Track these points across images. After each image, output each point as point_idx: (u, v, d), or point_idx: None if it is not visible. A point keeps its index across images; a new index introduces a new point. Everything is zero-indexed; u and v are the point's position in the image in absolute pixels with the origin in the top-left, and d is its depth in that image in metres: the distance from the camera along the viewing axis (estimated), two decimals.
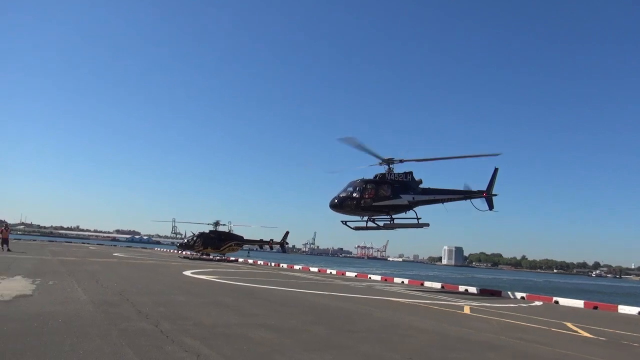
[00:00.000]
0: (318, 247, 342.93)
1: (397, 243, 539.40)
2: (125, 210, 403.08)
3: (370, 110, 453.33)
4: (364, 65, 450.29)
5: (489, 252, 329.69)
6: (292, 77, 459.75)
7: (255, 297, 16.62)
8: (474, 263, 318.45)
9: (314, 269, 43.45)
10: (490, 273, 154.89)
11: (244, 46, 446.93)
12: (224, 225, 53.75)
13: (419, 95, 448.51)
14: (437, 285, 31.04)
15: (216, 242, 51.58)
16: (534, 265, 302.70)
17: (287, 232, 58.96)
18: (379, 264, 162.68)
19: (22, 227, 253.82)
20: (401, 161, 25.21)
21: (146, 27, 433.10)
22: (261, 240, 58.01)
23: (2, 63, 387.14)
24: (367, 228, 26.16)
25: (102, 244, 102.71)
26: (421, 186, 25.97)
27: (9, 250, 36.18)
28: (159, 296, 14.49)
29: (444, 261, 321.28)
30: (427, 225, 25.81)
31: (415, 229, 25.94)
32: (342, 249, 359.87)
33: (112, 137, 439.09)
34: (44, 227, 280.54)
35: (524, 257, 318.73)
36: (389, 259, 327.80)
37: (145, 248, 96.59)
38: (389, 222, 25.61)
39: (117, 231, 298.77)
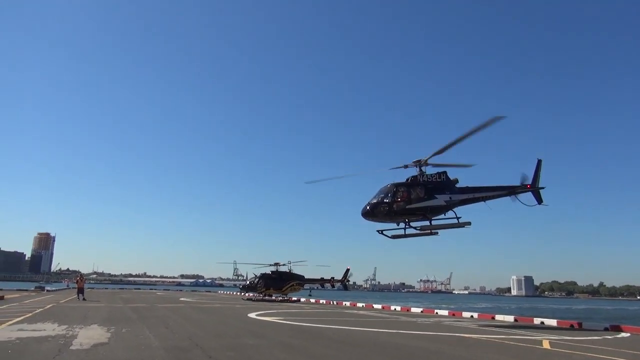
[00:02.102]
0: (379, 282, 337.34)
1: (461, 275, 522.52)
2: (189, 255, 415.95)
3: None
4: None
5: (562, 281, 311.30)
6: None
7: (323, 337, 16.35)
8: (546, 292, 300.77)
9: (378, 306, 42.44)
10: (564, 303, 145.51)
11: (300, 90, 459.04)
12: (284, 265, 54.03)
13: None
14: (510, 318, 29.41)
15: (278, 283, 51.71)
16: (614, 293, 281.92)
17: (348, 269, 58.36)
18: (444, 298, 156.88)
19: (94, 276, 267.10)
20: (427, 161, 24.19)
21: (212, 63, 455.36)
22: (322, 279, 57.53)
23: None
24: (405, 235, 24.84)
25: (169, 289, 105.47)
26: (458, 185, 24.86)
27: (84, 299, 37.86)
28: (227, 340, 14.58)
29: (514, 292, 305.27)
30: (469, 223, 24.35)
31: (456, 228, 24.56)
32: (404, 283, 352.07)
33: (168, 185, 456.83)
34: (114, 275, 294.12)
35: (601, 284, 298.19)
36: (454, 291, 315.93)
37: (210, 291, 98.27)
38: (427, 225, 24.39)
39: (182, 276, 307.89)
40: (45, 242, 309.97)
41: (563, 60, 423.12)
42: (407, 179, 24.67)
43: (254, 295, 53.79)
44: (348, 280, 59.81)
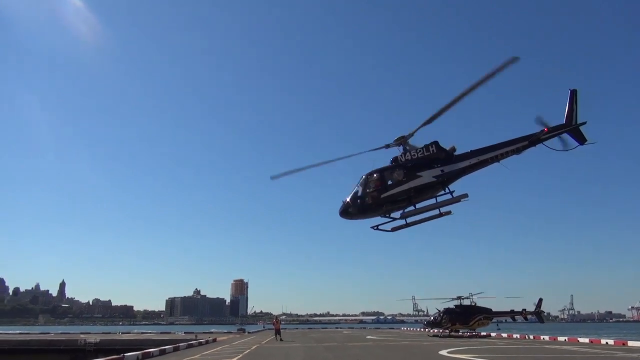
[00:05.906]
0: (579, 312, 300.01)
1: None
2: (368, 292, 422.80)
3: None
4: None
5: None
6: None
7: None
8: None
9: (584, 340, 37.50)
10: None
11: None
12: (467, 298, 51.60)
13: None
14: None
15: (463, 317, 49.39)
16: None
17: (541, 299, 53.32)
18: None
19: (284, 317, 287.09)
20: (411, 134, 21.12)
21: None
22: (512, 311, 53.41)
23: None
24: (407, 225, 21.73)
25: (352, 327, 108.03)
26: (456, 153, 21.34)
27: (281, 339, 40.81)
28: None
29: None
30: (466, 196, 20.86)
31: (453, 204, 21.34)
32: (610, 312, 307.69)
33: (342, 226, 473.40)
34: (301, 316, 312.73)
35: None
36: None
37: (392, 328, 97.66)
38: (411, 210, 21.27)
39: (363, 313, 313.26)
40: (240, 288, 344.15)
41: None
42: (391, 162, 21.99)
43: (439, 332, 52.11)
44: (542, 311, 54.72)
